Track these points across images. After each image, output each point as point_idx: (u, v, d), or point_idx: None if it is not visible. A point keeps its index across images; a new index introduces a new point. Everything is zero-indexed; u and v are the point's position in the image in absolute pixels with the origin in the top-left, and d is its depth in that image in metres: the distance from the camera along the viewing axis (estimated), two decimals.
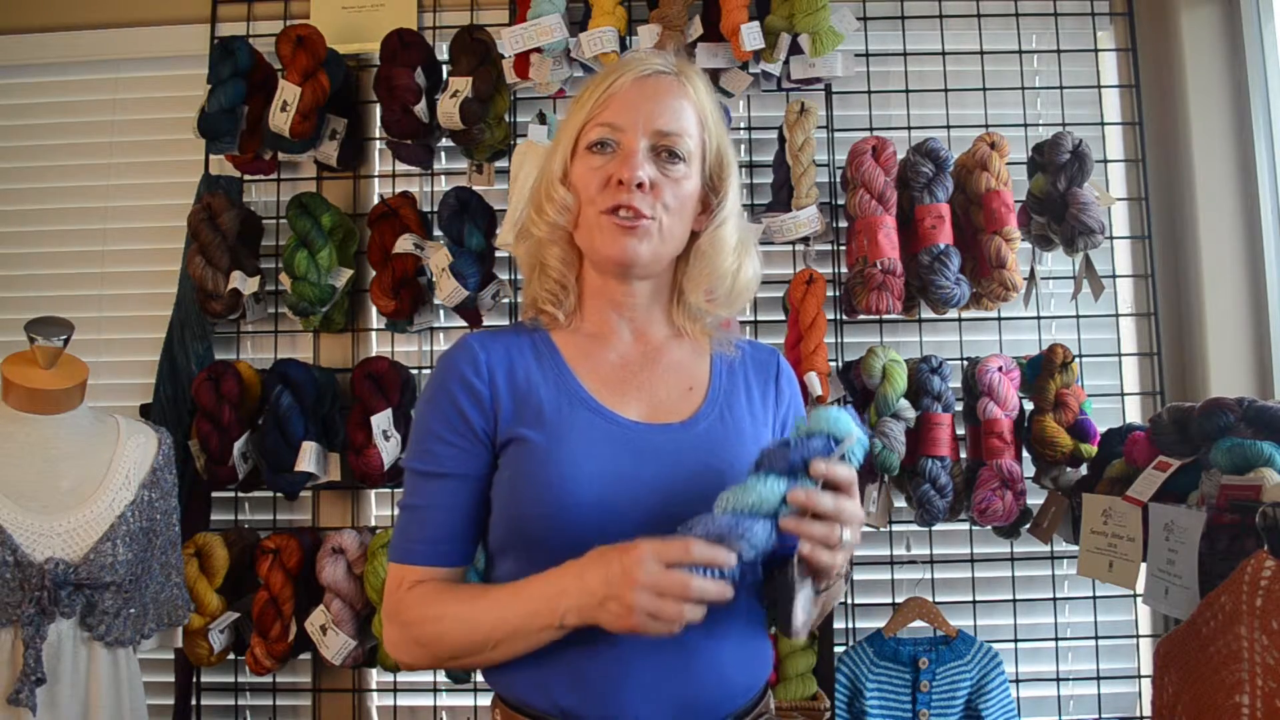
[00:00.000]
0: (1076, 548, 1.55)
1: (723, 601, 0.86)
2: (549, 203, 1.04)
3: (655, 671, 0.93)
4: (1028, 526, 1.82)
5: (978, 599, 1.95)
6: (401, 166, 2.06)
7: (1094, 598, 1.94)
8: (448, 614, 0.95)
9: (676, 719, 0.94)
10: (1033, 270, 1.92)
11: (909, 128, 2.02)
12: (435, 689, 1.97)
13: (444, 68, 1.99)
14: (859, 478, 0.90)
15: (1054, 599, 1.97)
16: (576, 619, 0.89)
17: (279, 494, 1.97)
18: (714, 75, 1.92)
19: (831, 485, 0.87)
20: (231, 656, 1.84)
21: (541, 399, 1.00)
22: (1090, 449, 1.73)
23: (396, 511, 1.03)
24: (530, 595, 0.91)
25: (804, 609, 0.90)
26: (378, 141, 2.10)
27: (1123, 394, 1.99)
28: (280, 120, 1.84)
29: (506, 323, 2.04)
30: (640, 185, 0.98)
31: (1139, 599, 1.39)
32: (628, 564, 0.85)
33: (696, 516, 0.87)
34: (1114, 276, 2.01)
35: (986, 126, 2.01)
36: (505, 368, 1.02)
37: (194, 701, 1.92)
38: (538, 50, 1.84)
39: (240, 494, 2.00)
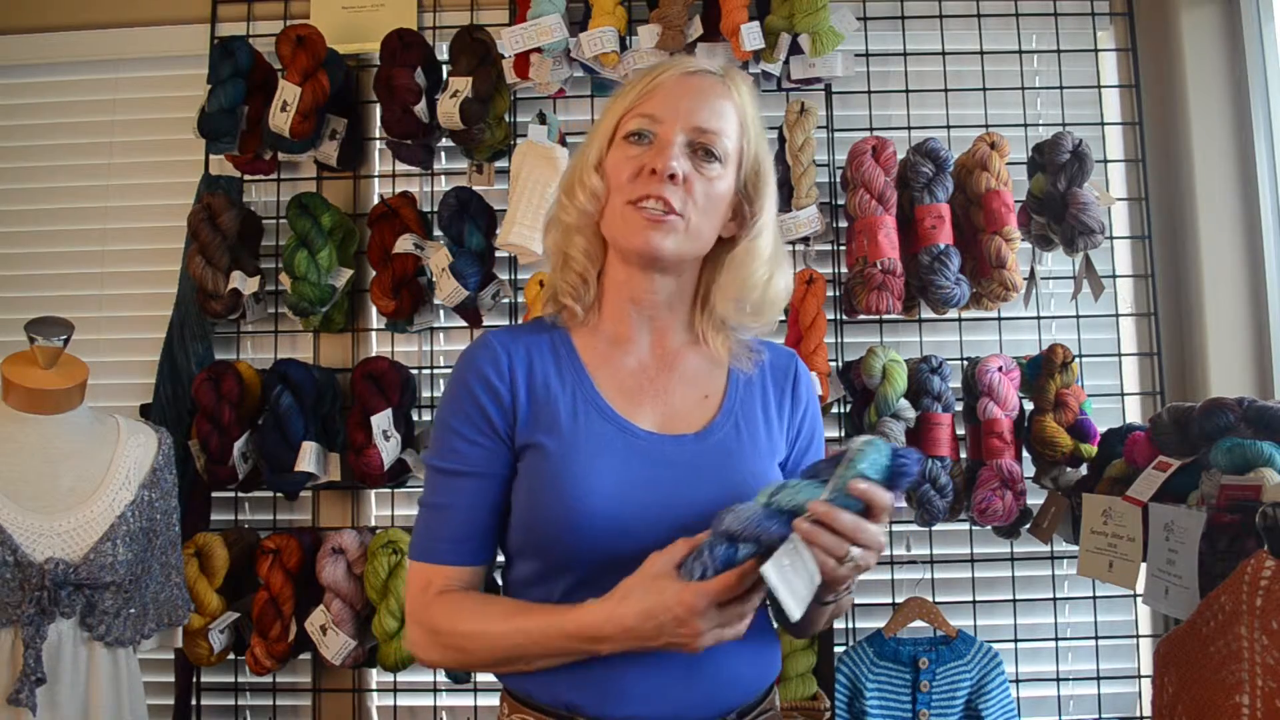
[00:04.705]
0: (1076, 548, 1.55)
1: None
2: (580, 188, 1.03)
3: (659, 667, 0.93)
4: (1028, 526, 1.82)
5: (978, 599, 1.95)
6: (401, 166, 2.05)
7: (1094, 598, 1.94)
8: (477, 632, 0.95)
9: (680, 714, 0.95)
10: (1033, 270, 1.92)
11: (909, 128, 2.02)
12: (435, 689, 1.97)
13: (444, 68, 1.99)
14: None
15: (1054, 599, 1.97)
16: (615, 650, 0.91)
17: (279, 494, 1.97)
18: None
19: (867, 507, 0.86)
20: (231, 656, 1.84)
21: (559, 405, 1.00)
22: (1090, 449, 1.73)
23: (418, 508, 1.03)
24: (565, 633, 0.91)
25: (792, 594, 0.87)
26: (378, 141, 2.10)
27: (1123, 394, 1.99)
28: (280, 120, 1.84)
29: (506, 323, 2.04)
30: (673, 177, 0.97)
31: (1139, 599, 1.38)
32: (683, 616, 0.85)
33: (733, 506, 0.87)
34: (1114, 276, 2.01)
35: (986, 126, 2.01)
36: (525, 369, 1.02)
37: (194, 701, 1.92)
38: (538, 50, 1.84)
39: (240, 494, 2.00)
